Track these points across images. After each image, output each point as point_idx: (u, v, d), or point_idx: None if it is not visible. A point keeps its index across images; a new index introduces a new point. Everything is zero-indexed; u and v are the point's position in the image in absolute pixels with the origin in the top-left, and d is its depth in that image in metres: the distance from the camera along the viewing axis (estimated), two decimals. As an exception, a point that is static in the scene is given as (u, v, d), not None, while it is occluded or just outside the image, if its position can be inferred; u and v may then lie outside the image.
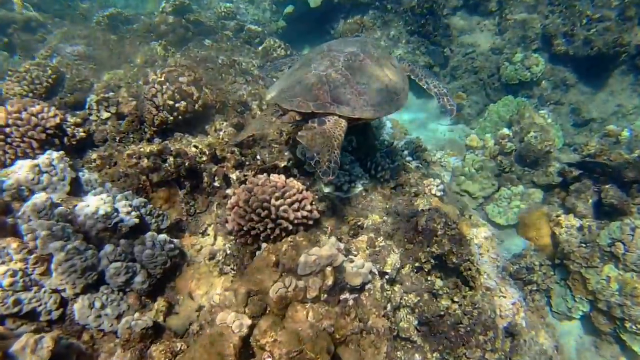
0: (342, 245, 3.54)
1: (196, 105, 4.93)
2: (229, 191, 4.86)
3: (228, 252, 4.46)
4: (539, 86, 8.47)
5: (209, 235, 4.68)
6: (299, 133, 3.72)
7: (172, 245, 4.14)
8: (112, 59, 7.18)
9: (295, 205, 4.12)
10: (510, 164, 6.60)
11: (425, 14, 9.04)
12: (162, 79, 4.83)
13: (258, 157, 5.23)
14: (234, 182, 4.94)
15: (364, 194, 5.20)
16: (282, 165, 5.24)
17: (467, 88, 8.74)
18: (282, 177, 4.41)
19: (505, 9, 8.78)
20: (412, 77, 5.12)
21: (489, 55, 8.90)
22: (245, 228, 4.09)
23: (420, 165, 6.20)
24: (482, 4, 8.96)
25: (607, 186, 5.47)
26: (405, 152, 6.46)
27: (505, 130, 6.82)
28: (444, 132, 8.76)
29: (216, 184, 4.88)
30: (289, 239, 3.59)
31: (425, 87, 4.98)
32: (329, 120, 3.82)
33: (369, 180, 5.35)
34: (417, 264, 4.69)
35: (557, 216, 5.89)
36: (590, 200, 5.66)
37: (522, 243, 6.27)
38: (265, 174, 4.61)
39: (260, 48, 7.83)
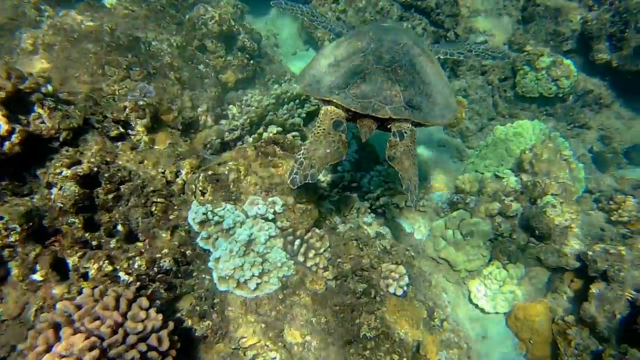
0: None
1: (7, 145, 3.02)
2: (56, 291, 3.12)
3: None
4: (564, 102, 6.54)
5: (16, 365, 3.00)
6: (388, 154, 3.26)
7: None
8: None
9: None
10: (510, 231, 4.89)
11: (427, -17, 6.84)
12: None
13: (118, 227, 3.43)
14: (72, 272, 3.19)
15: (280, 295, 3.50)
16: (163, 240, 3.48)
17: (470, 93, 6.77)
18: (123, 302, 2.68)
19: (537, -11, 6.62)
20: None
21: (504, 50, 6.83)
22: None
23: (381, 232, 4.45)
24: (506, -22, 6.76)
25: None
26: (365, 206, 4.66)
27: (512, 182, 5.03)
28: (437, 145, 6.92)
29: (37, 277, 3.12)
30: None
31: (462, 57, 4.58)
32: (405, 132, 3.31)
33: (292, 271, 3.62)
34: None
35: (566, 322, 4.32)
36: (619, 316, 4.06)
37: (511, 342, 4.74)
38: (101, 285, 2.87)
39: (186, 17, 5.68)
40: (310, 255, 3.67)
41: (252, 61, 6.11)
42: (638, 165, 6.75)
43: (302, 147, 3.36)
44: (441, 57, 4.64)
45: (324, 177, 5.04)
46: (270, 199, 3.75)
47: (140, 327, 2.58)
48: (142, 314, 2.66)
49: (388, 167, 5.47)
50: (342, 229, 4.32)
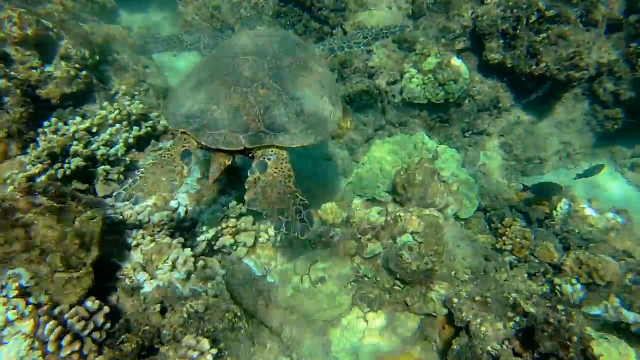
0: None
1: None
2: None
3: None
4: (460, 107, 5.96)
5: None
6: (247, 198, 2.97)
7: None
8: None
9: None
10: (374, 272, 4.24)
11: (305, -27, 6.09)
12: None
13: None
14: None
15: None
16: None
17: (355, 99, 6.08)
18: None
19: (425, -20, 5.96)
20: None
21: (394, 48, 6.19)
22: None
23: (198, 290, 3.71)
24: (392, -33, 6.07)
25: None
26: (185, 255, 3.91)
27: (373, 216, 4.37)
28: (322, 159, 6.20)
29: None
30: None
31: (363, 48, 4.50)
32: (268, 159, 3.06)
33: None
34: None
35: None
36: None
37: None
38: None
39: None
40: (66, 340, 2.87)
41: (84, 72, 5.16)
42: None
43: (145, 165, 3.26)
44: (337, 51, 4.33)
45: (146, 216, 4.23)
46: (10, 272, 2.91)
47: None
48: None
49: (237, 198, 4.72)
50: (147, 289, 3.56)
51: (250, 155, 3.16)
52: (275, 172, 3.01)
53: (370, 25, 6.26)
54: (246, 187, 2.99)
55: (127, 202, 3.36)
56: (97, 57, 5.58)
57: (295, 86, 3.20)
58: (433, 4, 5.92)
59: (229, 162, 3.19)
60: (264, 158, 3.05)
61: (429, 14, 6.02)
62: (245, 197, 2.96)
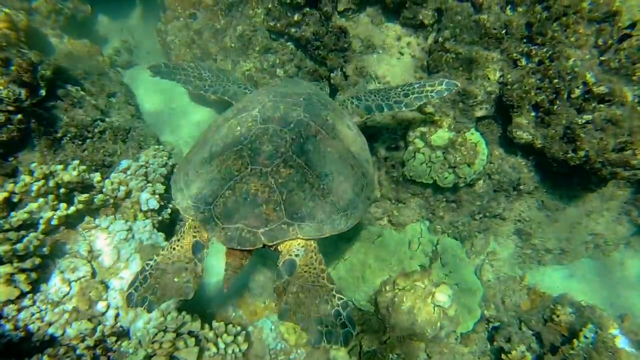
0: None
1: None
2: None
3: None
4: (472, 188, 4.95)
5: None
6: (279, 310, 2.52)
7: None
8: None
9: None
10: None
11: (302, 4, 5.03)
12: None
13: None
14: None
15: None
16: None
17: (351, 164, 5.09)
18: None
19: (447, 29, 4.84)
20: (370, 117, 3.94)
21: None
22: None
23: None
24: (410, 8, 4.95)
25: None
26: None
27: (340, 357, 3.44)
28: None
29: None
30: None
31: (404, 109, 3.82)
32: (296, 255, 2.65)
33: None
34: None
35: None
36: None
37: None
38: None
39: None
40: None
41: (18, 116, 4.28)
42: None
43: (155, 256, 2.86)
44: (375, 111, 3.73)
45: (60, 329, 3.40)
46: None
47: None
48: None
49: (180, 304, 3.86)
50: None
51: (272, 248, 2.72)
52: (306, 272, 2.63)
53: (375, 73, 5.21)
54: (275, 294, 2.60)
55: (139, 308, 2.76)
56: (43, 93, 4.66)
57: (323, 160, 2.77)
58: (454, 59, 4.80)
59: (246, 262, 2.73)
60: (291, 255, 2.65)
61: (447, 71, 4.92)
62: (277, 310, 2.61)
